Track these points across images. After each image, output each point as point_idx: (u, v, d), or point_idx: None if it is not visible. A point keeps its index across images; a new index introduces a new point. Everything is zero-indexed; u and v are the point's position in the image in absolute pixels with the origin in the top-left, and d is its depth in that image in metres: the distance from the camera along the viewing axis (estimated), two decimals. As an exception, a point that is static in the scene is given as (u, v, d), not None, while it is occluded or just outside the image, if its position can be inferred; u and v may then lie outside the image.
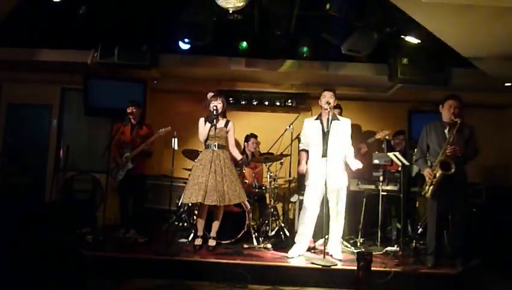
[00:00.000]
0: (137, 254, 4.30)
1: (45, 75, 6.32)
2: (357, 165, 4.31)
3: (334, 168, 4.24)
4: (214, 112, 4.53)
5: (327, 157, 4.19)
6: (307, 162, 4.49)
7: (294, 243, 4.48)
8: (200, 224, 4.70)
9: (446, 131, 4.10)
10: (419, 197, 5.18)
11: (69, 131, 6.68)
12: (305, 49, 5.39)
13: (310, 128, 4.49)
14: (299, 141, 4.78)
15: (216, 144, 4.59)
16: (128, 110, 5.25)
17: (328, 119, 4.33)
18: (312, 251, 4.66)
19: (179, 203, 5.57)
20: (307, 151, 4.52)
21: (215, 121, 4.53)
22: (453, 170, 3.89)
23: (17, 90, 6.60)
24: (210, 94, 4.77)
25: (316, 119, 4.50)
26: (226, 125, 4.71)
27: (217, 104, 4.61)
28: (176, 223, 5.61)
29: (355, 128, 6.26)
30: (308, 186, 4.42)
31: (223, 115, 4.76)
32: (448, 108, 4.11)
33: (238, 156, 4.79)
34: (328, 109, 4.31)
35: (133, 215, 5.33)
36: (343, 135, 4.36)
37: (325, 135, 4.33)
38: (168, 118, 5.82)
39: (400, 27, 4.77)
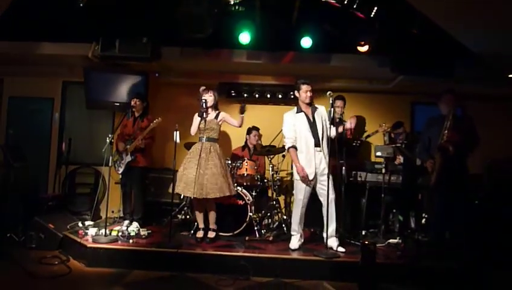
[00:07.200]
0: (140, 247, 4.32)
1: (46, 68, 6.30)
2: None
3: (323, 157, 4.33)
4: (203, 104, 4.53)
5: (320, 147, 4.31)
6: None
7: (291, 235, 4.47)
8: (199, 217, 4.74)
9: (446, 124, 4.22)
10: (422, 190, 5.18)
11: (71, 124, 6.68)
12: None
13: (295, 121, 4.45)
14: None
15: (206, 136, 4.61)
16: (132, 103, 5.30)
17: (311, 110, 4.44)
18: (315, 243, 4.66)
19: (181, 197, 5.58)
20: (295, 148, 4.44)
21: (204, 114, 4.53)
22: (451, 152, 4.04)
23: (18, 83, 6.60)
24: (202, 88, 4.76)
25: (299, 112, 4.48)
26: (217, 117, 4.71)
27: (207, 97, 4.62)
28: (178, 216, 5.63)
29: (357, 120, 6.27)
30: (298, 179, 4.39)
31: (215, 107, 4.77)
32: (444, 102, 4.33)
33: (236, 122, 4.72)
34: (310, 102, 4.42)
35: (136, 208, 5.35)
36: (324, 123, 4.42)
37: (313, 126, 4.38)
38: (170, 111, 5.81)
39: (403, 18, 4.72)
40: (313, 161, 4.31)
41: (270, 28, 5.26)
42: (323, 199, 4.31)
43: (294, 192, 4.51)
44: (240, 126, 4.76)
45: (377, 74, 5.92)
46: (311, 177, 4.31)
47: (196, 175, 4.43)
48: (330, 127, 4.38)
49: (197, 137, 4.74)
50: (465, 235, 4.24)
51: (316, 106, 4.51)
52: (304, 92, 4.42)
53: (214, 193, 4.44)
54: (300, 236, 4.45)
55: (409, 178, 5.21)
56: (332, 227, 4.34)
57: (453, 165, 4.12)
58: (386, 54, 5.43)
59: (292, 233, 4.47)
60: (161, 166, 6.37)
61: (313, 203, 4.46)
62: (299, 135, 4.41)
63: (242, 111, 4.60)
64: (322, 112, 4.48)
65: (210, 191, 4.44)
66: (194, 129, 4.68)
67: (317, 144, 4.32)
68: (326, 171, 4.29)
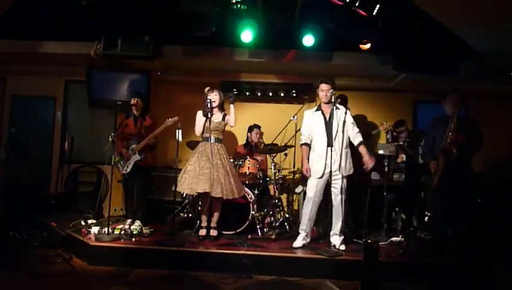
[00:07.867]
0: (143, 245, 4.33)
1: (49, 67, 6.31)
2: (368, 162, 4.29)
3: (339, 157, 4.27)
4: (208, 104, 4.52)
5: (332, 146, 4.24)
6: (308, 158, 4.46)
7: (299, 233, 4.47)
8: (204, 215, 4.72)
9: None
10: (425, 188, 5.17)
11: (74, 123, 6.70)
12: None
13: (311, 119, 4.48)
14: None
15: (214, 137, 4.59)
16: (132, 102, 5.29)
17: (331, 109, 4.36)
18: (317, 241, 4.66)
19: (184, 195, 5.59)
20: (308, 145, 4.49)
21: (209, 114, 4.51)
22: (454, 156, 4.00)
23: (21, 82, 6.60)
24: (207, 88, 4.76)
25: (317, 110, 4.50)
26: (224, 118, 4.70)
27: (213, 97, 4.61)
28: (181, 214, 5.64)
29: (359, 118, 6.26)
30: (312, 176, 4.39)
31: (221, 107, 4.75)
32: (450, 102, 4.26)
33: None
34: (328, 101, 4.36)
35: (138, 206, 5.36)
36: (344, 123, 4.30)
37: (328, 125, 4.35)
38: (172, 110, 5.79)
39: (405, 16, 4.71)
40: (323, 159, 4.28)
41: (272, 26, 5.25)
42: (333, 199, 4.30)
43: (297, 190, 4.50)
44: (234, 124, 4.68)
45: (379, 72, 5.91)
46: (318, 175, 4.31)
47: (209, 173, 4.39)
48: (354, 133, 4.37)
49: (199, 136, 4.73)
50: (468, 233, 4.23)
51: (338, 106, 4.42)
52: (321, 91, 4.41)
53: (227, 194, 4.46)
54: (306, 235, 4.44)
55: (411, 176, 5.20)
56: (338, 225, 4.35)
57: (457, 166, 4.09)
58: (388, 52, 5.42)
59: (300, 231, 4.47)
60: (163, 164, 6.38)
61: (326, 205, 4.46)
62: (315, 133, 4.43)
63: (232, 101, 4.58)
64: (342, 113, 4.33)
65: (225, 191, 4.43)
66: (199, 129, 4.63)
67: (329, 143, 4.29)
68: (339, 171, 4.27)
